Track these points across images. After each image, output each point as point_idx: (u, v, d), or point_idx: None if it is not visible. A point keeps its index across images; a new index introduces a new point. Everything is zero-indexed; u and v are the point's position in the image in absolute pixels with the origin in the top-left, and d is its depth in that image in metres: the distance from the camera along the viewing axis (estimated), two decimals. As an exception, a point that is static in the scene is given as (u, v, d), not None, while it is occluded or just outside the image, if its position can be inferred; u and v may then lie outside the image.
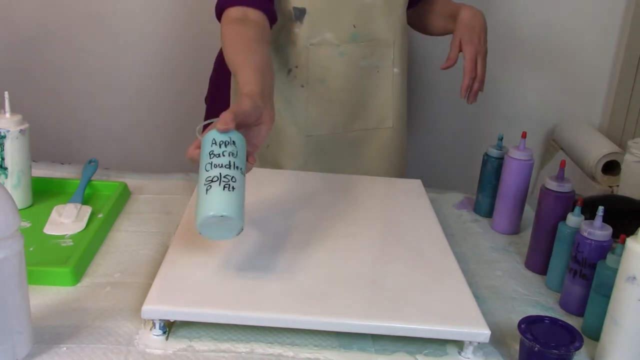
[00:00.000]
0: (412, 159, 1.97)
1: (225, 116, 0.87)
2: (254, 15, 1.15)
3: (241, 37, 1.11)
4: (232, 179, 0.84)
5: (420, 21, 1.46)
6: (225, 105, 1.39)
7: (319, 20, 1.26)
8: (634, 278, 0.79)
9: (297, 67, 1.29)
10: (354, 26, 1.29)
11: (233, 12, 1.15)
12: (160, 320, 0.83)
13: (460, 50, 1.28)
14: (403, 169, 1.46)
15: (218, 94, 1.44)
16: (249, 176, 1.30)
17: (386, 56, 1.33)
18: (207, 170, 0.85)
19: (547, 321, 0.85)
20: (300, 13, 1.26)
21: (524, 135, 1.16)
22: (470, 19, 1.30)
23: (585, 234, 0.93)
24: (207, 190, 0.83)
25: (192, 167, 1.34)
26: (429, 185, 1.29)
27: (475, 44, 1.27)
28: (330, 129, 1.35)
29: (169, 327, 0.85)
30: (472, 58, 1.26)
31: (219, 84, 1.43)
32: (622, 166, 1.47)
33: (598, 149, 1.77)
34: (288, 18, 1.26)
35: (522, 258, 1.11)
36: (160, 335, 0.83)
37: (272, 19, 1.19)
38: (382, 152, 1.40)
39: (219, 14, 1.19)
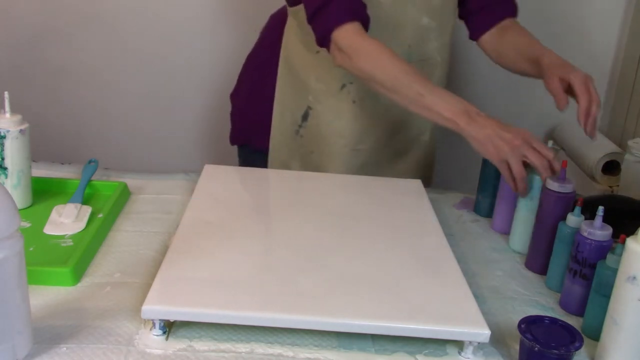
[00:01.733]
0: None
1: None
2: (362, 26, 1.19)
3: (392, 54, 1.16)
4: None
5: (496, 53, 1.37)
6: (265, 102, 1.39)
7: (377, 37, 1.24)
8: (634, 278, 0.79)
9: (351, 83, 1.31)
10: (409, 46, 1.29)
11: (354, 26, 1.17)
12: (160, 320, 0.83)
13: (565, 87, 1.18)
14: (432, 178, 1.50)
15: (248, 92, 1.45)
16: (250, 176, 1.31)
17: (433, 75, 1.35)
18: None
19: (547, 321, 0.85)
20: None
21: (524, 135, 1.16)
22: (558, 60, 1.22)
23: (585, 234, 0.93)
24: None
25: (191, 167, 1.35)
26: (429, 185, 1.29)
27: (580, 72, 1.18)
28: (374, 143, 1.37)
29: (169, 327, 0.85)
30: (582, 82, 1.15)
31: (250, 82, 1.44)
32: (622, 166, 1.47)
33: (598, 149, 1.77)
34: None
35: (522, 258, 1.11)
36: (160, 335, 0.83)
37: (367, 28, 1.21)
38: (416, 163, 1.43)
39: (328, 36, 1.18)
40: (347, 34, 1.18)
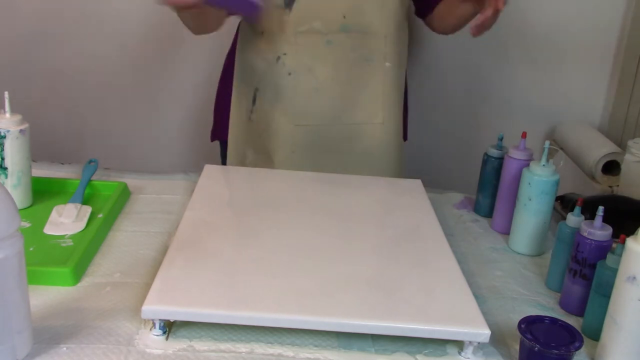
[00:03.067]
0: (412, 158, 1.97)
1: None
2: None
3: None
4: None
5: (439, 20, 1.43)
6: (228, 104, 1.41)
7: (308, 8, 1.26)
8: (634, 278, 0.79)
9: (285, 54, 1.30)
10: (344, 17, 1.28)
11: None
12: (160, 320, 0.83)
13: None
14: (398, 168, 1.42)
15: (224, 95, 1.45)
16: (250, 176, 1.31)
17: (377, 50, 1.32)
18: None
19: (547, 321, 0.85)
20: (290, 0, 1.26)
21: (524, 135, 1.16)
22: None
23: (585, 234, 0.93)
24: None
25: (191, 167, 1.35)
26: (429, 185, 1.29)
27: None
28: (318, 120, 1.34)
29: (169, 327, 0.85)
30: None
31: (226, 85, 1.44)
32: (622, 166, 1.47)
33: (598, 149, 1.76)
34: (278, 5, 1.27)
35: (522, 258, 1.11)
36: (160, 335, 0.83)
37: None
38: (372, 149, 1.38)
39: None
40: None
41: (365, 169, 1.34)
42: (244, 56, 1.37)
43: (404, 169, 1.46)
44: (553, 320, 0.85)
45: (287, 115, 1.33)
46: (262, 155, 1.37)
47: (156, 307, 0.82)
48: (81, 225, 1.05)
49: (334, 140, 1.36)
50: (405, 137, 1.50)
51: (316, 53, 1.30)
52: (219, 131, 1.49)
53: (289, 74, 1.31)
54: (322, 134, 1.35)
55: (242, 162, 1.41)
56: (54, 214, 1.07)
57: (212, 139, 1.53)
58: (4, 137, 1.04)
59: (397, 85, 1.38)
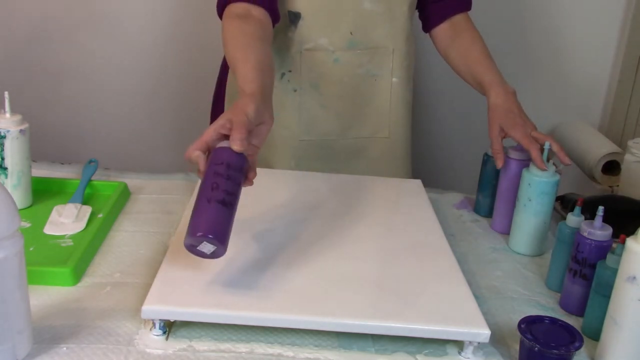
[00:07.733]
0: (412, 158, 1.96)
1: (239, 134, 0.87)
2: (257, 12, 1.15)
3: (242, 33, 1.10)
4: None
5: (445, 54, 1.37)
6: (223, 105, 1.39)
7: (313, 25, 1.24)
8: (634, 278, 0.79)
9: (290, 71, 1.29)
10: (351, 33, 1.26)
11: (236, 8, 1.15)
12: (160, 320, 0.83)
13: (504, 137, 1.18)
14: (408, 176, 1.42)
15: (220, 95, 1.44)
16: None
17: (384, 65, 1.31)
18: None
19: (547, 321, 0.85)
20: (295, 17, 1.24)
21: (524, 135, 1.16)
22: (504, 103, 1.20)
23: (585, 234, 0.93)
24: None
25: (192, 167, 1.34)
26: (429, 185, 1.29)
27: (521, 124, 1.16)
28: (323, 135, 1.34)
29: (169, 327, 0.85)
30: (525, 136, 1.14)
31: (221, 85, 1.43)
32: (622, 166, 1.47)
33: (598, 149, 1.76)
34: (283, 21, 1.25)
35: (522, 258, 1.11)
36: (160, 335, 0.83)
37: (274, 17, 1.18)
38: (377, 162, 1.38)
39: (221, 10, 1.19)
40: (225, 15, 1.16)
41: None
42: None
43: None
44: (553, 320, 0.85)
45: (291, 130, 1.32)
46: (261, 164, 1.36)
47: (156, 307, 0.82)
48: (81, 225, 1.05)
49: (338, 153, 1.36)
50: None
51: (322, 70, 1.28)
52: None
53: (295, 90, 1.30)
54: (326, 147, 1.35)
55: None
56: (54, 214, 1.07)
57: None
58: (4, 137, 1.04)
59: (404, 99, 1.36)
